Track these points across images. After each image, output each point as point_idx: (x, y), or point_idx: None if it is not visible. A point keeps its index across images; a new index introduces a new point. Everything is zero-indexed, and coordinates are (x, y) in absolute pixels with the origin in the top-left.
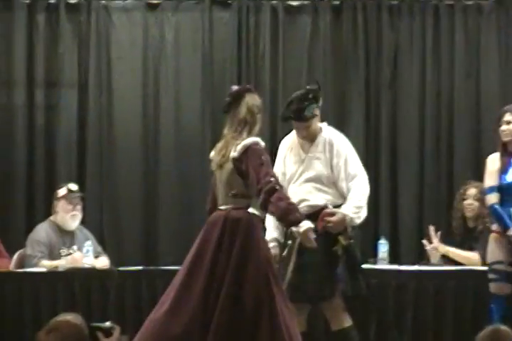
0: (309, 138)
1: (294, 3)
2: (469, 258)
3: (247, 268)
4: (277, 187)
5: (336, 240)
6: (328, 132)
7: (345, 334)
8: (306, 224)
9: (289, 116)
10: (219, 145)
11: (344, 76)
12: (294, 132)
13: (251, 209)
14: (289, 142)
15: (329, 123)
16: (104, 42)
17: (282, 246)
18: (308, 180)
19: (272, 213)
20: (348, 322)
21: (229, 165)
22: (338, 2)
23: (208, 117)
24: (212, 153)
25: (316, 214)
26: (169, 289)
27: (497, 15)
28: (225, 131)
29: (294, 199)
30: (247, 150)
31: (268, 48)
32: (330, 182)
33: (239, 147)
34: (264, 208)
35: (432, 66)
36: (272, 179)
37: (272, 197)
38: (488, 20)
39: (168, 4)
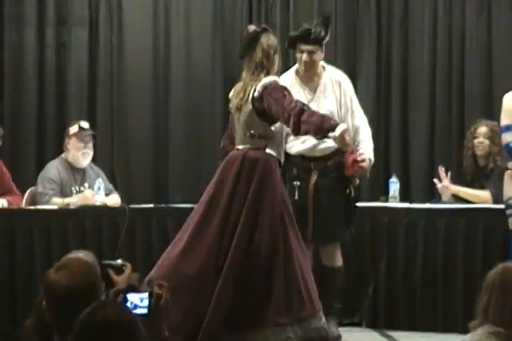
0: (310, 69)
1: None
2: (480, 197)
3: (262, 207)
4: (305, 108)
5: (348, 181)
6: (331, 70)
7: (336, 272)
8: (340, 127)
9: (297, 35)
10: (237, 87)
11: (355, 13)
12: (291, 72)
13: (268, 150)
14: (289, 81)
15: (340, 61)
16: None
17: (288, 187)
18: None
19: (307, 131)
20: (340, 262)
21: (248, 107)
22: None
23: (218, 53)
24: (231, 94)
25: (332, 154)
26: (184, 227)
27: None
28: (243, 74)
29: (310, 142)
30: (266, 87)
31: None
32: (339, 120)
33: (258, 87)
34: (297, 131)
35: (443, 3)
36: (298, 103)
37: (302, 116)
38: None
39: None
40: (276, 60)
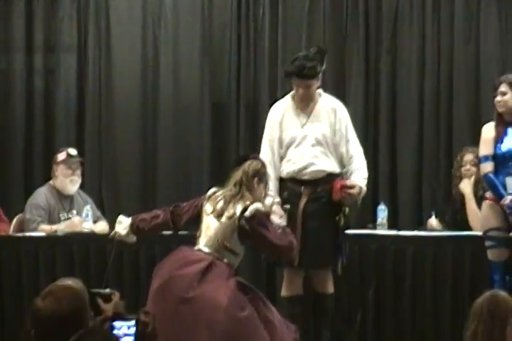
0: (307, 100)
1: None
2: (476, 217)
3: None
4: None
5: (339, 210)
6: (327, 98)
7: (327, 299)
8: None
9: (293, 71)
10: (217, 196)
11: (343, 40)
12: (287, 97)
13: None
14: (283, 107)
15: (328, 88)
16: (103, 7)
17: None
18: (314, 144)
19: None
20: (332, 289)
21: (232, 222)
22: None
23: (207, 81)
24: (208, 205)
25: (323, 179)
26: None
27: None
28: (225, 188)
29: (300, 163)
30: (258, 213)
31: (267, 12)
32: (332, 146)
33: (251, 207)
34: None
35: (431, 31)
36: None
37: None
38: None
39: None
40: (258, 185)
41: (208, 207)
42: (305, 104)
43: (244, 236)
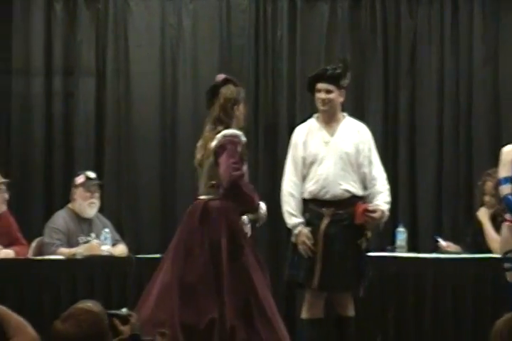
0: (330, 110)
1: None
2: (496, 243)
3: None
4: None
5: (362, 233)
6: (351, 120)
7: (348, 322)
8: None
9: (314, 74)
10: (199, 144)
11: (362, 64)
12: (311, 119)
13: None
14: (307, 127)
15: (348, 111)
16: (122, 30)
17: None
18: (337, 162)
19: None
20: (353, 311)
21: (209, 160)
22: None
23: None
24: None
25: (345, 201)
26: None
27: None
28: (205, 128)
29: (323, 182)
30: (226, 137)
31: (286, 36)
32: (356, 165)
33: (219, 135)
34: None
35: (450, 53)
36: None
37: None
38: (506, 6)
39: None
40: (238, 110)
41: (195, 159)
42: (328, 124)
43: None
